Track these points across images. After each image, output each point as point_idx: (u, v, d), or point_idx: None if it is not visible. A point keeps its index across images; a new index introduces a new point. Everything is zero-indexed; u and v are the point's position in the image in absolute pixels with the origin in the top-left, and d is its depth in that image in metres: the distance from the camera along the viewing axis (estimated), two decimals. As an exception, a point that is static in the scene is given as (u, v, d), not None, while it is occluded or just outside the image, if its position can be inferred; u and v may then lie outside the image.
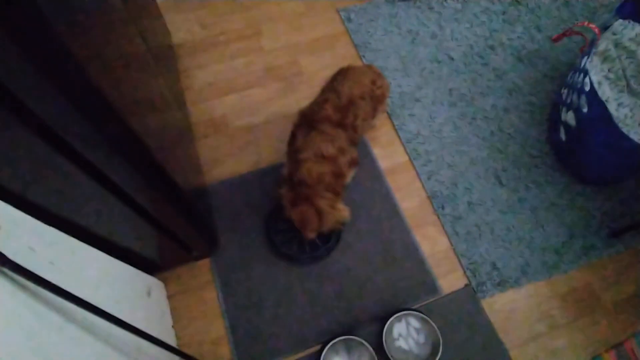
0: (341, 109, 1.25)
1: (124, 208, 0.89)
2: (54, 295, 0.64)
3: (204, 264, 1.35)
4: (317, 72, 1.73)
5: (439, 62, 1.78)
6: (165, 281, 1.31)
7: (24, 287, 0.60)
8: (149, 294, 1.16)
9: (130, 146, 0.77)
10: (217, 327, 1.27)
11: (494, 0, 1.95)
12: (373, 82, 1.34)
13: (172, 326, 1.25)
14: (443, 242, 1.42)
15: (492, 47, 1.83)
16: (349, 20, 1.87)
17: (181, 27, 1.83)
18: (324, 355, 1.17)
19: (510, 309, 1.34)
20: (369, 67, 1.44)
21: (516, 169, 1.56)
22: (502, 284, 1.36)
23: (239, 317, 1.28)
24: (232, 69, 1.74)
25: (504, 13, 1.91)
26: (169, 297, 1.29)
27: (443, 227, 1.44)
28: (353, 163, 1.30)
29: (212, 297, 1.31)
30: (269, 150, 1.55)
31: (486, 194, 1.50)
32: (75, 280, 0.77)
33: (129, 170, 0.81)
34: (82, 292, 0.69)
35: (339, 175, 1.22)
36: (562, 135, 1.49)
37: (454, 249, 1.41)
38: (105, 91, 0.64)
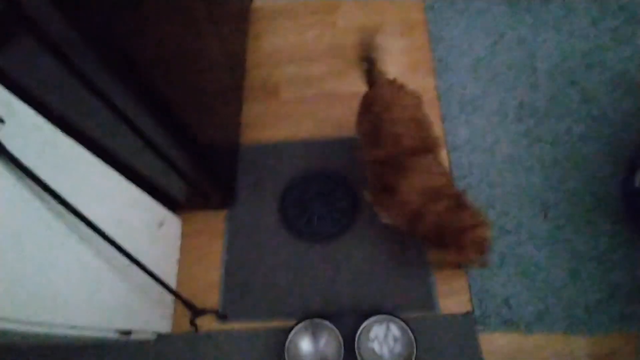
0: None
1: (146, 147, 0.98)
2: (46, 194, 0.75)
3: (221, 214, 1.44)
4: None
5: (518, 70, 1.60)
6: (182, 219, 1.42)
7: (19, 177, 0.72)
8: (160, 225, 1.28)
9: (152, 96, 0.85)
10: (213, 275, 1.35)
11: (606, 13, 1.67)
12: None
13: (177, 260, 1.37)
14: (458, 261, 1.32)
15: (589, 66, 1.58)
16: (432, 8, 1.76)
17: (265, -9, 1.89)
18: (295, 330, 1.18)
19: (510, 353, 1.20)
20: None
21: (570, 206, 1.36)
22: (509, 324, 1.23)
23: (235, 272, 1.35)
24: (301, 40, 1.76)
25: (615, 30, 1.63)
26: (182, 235, 1.41)
27: (463, 246, 1.33)
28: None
29: (218, 245, 1.39)
30: (308, 126, 1.56)
31: (524, 223, 1.35)
32: (78, 187, 0.87)
33: (151, 117, 0.90)
34: (82, 200, 0.81)
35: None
36: (637, 183, 1.26)
37: (466, 271, 1.30)
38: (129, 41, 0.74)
